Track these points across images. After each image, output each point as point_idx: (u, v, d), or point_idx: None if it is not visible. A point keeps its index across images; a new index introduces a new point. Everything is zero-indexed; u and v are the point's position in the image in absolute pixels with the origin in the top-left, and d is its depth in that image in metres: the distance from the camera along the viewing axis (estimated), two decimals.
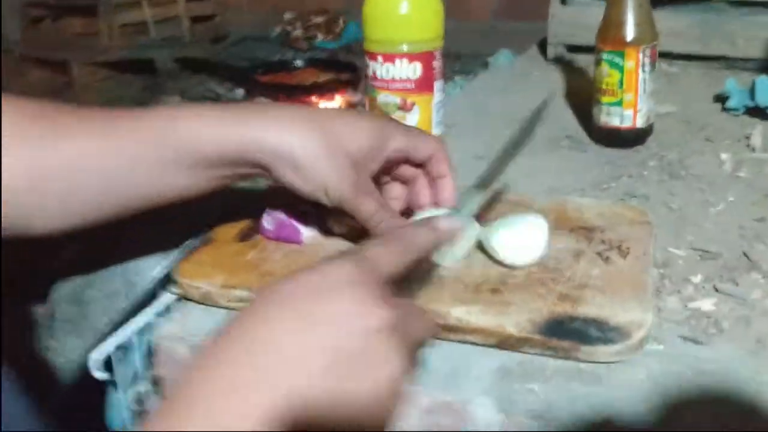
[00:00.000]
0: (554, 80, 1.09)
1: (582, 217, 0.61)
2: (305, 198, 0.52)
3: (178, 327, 0.56)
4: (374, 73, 0.71)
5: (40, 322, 0.68)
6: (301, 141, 0.50)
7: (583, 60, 1.14)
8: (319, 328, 0.34)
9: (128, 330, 0.58)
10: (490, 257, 0.55)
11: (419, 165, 0.56)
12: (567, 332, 0.47)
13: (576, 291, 0.51)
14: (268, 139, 0.50)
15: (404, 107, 0.71)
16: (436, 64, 0.71)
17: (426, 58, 0.70)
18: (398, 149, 0.54)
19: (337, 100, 1.60)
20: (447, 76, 1.46)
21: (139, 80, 2.11)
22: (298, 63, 1.79)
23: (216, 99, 1.75)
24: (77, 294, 0.66)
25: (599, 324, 0.48)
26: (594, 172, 0.75)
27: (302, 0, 2.15)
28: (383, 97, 0.71)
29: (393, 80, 0.70)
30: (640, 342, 0.47)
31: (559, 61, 1.18)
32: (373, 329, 0.34)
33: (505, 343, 0.48)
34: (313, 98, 1.60)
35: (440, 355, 0.48)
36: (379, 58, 0.70)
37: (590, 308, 0.49)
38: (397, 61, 0.70)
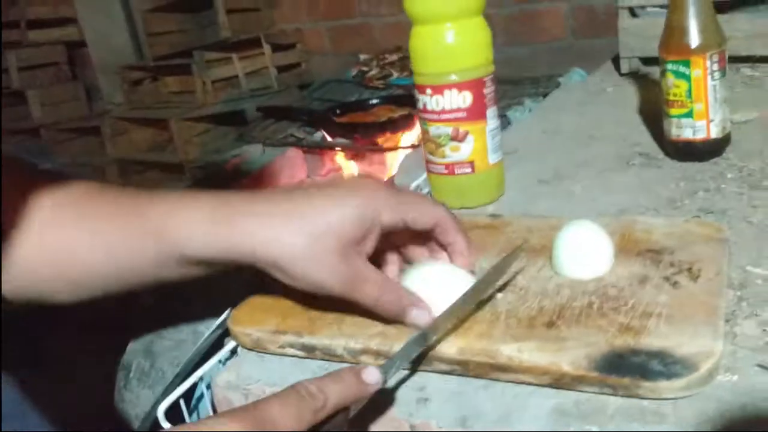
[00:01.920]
0: (628, 95, 1.04)
1: (650, 238, 0.57)
2: None
3: (233, 375, 0.56)
4: (424, 105, 0.70)
5: (118, 376, 0.70)
6: (288, 247, 0.49)
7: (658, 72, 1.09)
8: None
9: (193, 379, 0.59)
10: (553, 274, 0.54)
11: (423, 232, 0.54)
12: (627, 368, 0.43)
13: (639, 321, 0.47)
14: (255, 247, 0.49)
15: (457, 137, 0.69)
16: (488, 90, 0.69)
17: (476, 85, 0.68)
18: (390, 225, 0.51)
19: (413, 133, 1.60)
20: (517, 101, 1.43)
21: (232, 131, 2.20)
22: (374, 101, 1.81)
23: (297, 143, 1.79)
24: (149, 346, 0.67)
25: (663, 356, 0.44)
26: (668, 189, 0.71)
27: (380, 40, 2.19)
28: (435, 129, 0.70)
29: (443, 111, 0.69)
30: (708, 374, 0.43)
31: (633, 75, 1.14)
32: None
33: (560, 381, 0.45)
34: (389, 133, 1.61)
35: (491, 396, 0.46)
36: (428, 91, 0.69)
37: (654, 339, 0.45)
38: (446, 91, 0.68)
